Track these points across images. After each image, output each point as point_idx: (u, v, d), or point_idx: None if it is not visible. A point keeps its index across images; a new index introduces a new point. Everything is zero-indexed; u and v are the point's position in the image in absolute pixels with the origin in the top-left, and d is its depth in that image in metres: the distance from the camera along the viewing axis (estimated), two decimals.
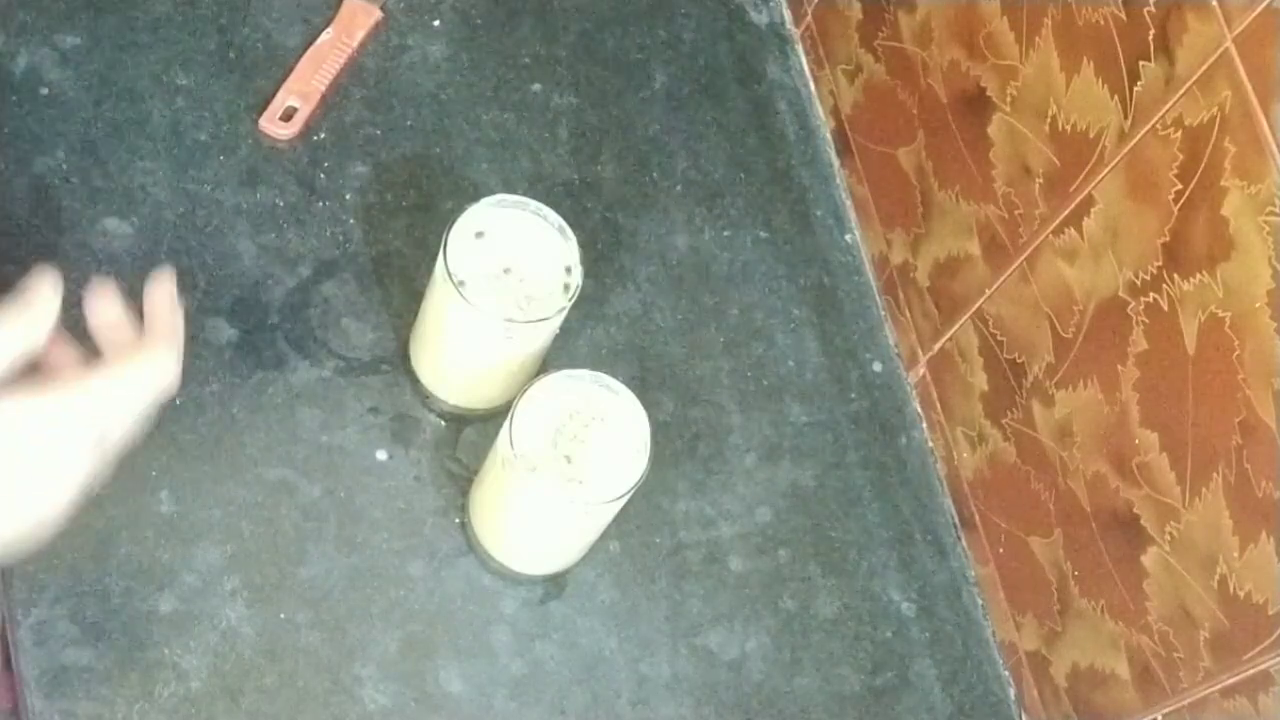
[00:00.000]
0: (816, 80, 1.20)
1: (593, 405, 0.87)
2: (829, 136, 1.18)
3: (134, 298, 0.99)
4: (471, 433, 0.98)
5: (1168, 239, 0.83)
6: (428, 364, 0.97)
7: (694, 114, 1.15)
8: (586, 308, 1.05)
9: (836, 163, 1.17)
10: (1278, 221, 0.75)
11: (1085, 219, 0.90)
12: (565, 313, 0.90)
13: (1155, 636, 0.89)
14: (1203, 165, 0.80)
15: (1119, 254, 0.88)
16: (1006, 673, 1.04)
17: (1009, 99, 0.95)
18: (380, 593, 0.92)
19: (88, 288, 0.70)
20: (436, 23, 1.12)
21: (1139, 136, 0.84)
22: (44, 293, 0.66)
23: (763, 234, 1.13)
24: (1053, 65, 0.90)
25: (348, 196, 1.03)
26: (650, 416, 0.88)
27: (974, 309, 1.03)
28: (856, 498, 1.06)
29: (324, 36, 1.07)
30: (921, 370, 1.10)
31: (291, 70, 1.05)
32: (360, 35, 1.08)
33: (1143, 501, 0.88)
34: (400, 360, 0.99)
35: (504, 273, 0.90)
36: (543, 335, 0.92)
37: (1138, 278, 0.86)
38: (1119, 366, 0.89)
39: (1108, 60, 0.86)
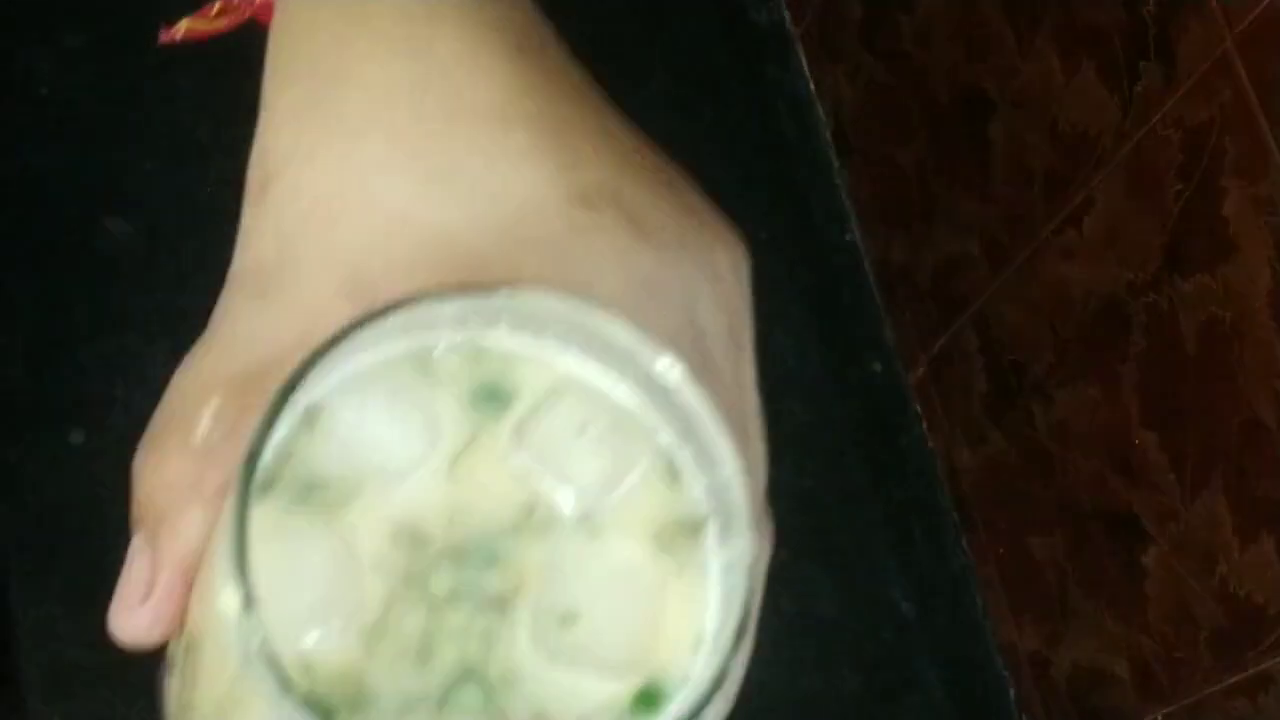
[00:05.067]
0: (816, 80, 1.20)
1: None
2: (829, 136, 1.18)
3: (132, 298, 0.99)
4: None
5: (1168, 239, 0.83)
6: None
7: (694, 114, 1.15)
8: None
9: (836, 163, 1.17)
10: (1278, 221, 0.75)
11: (1085, 219, 0.90)
12: None
13: (1155, 636, 0.89)
14: (1203, 165, 0.80)
15: (1119, 254, 0.87)
16: (1006, 673, 1.04)
17: (1009, 99, 0.95)
18: None
19: None
20: None
21: (1139, 136, 0.84)
22: None
23: (763, 234, 1.13)
24: (1053, 65, 0.90)
25: None
26: None
27: (974, 309, 1.03)
28: (856, 498, 1.05)
29: None
30: (921, 370, 1.10)
31: None
32: None
33: (1143, 501, 0.88)
34: None
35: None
36: None
37: (1138, 278, 0.86)
38: (1119, 366, 0.89)
39: (1108, 60, 0.86)
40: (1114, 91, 0.86)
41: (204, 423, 0.37)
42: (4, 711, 0.86)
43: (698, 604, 0.36)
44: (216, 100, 1.05)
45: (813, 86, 1.20)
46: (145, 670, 0.93)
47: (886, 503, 1.06)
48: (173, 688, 0.45)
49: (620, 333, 0.35)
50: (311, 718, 0.31)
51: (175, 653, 0.44)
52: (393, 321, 0.34)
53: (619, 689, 0.35)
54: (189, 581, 0.38)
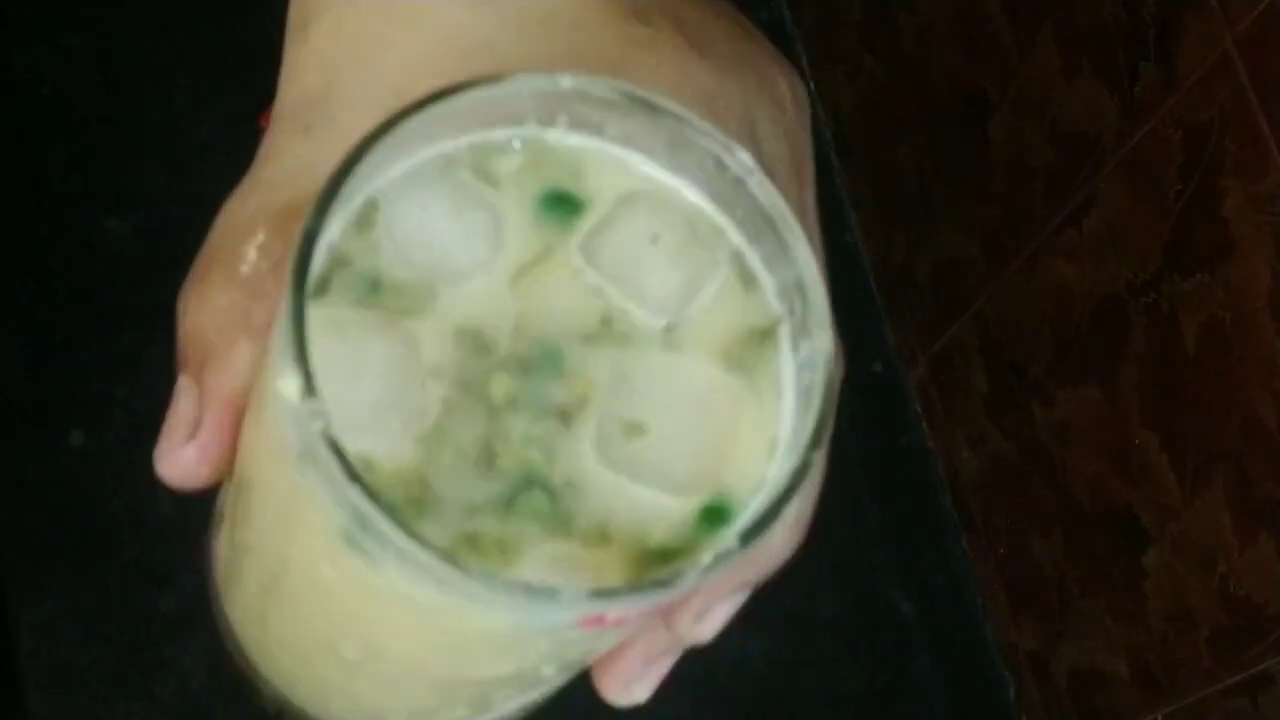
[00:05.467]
0: (816, 80, 1.20)
1: None
2: (829, 137, 1.18)
3: (132, 298, 0.99)
4: None
5: (1168, 239, 0.83)
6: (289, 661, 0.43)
7: None
8: None
9: (836, 163, 1.17)
10: (1278, 221, 0.75)
11: (1085, 219, 0.90)
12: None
13: (1155, 636, 0.89)
14: (1203, 165, 0.80)
15: (1119, 254, 0.87)
16: (1006, 673, 1.04)
17: (1009, 99, 0.95)
18: None
19: None
20: None
21: (1139, 136, 0.84)
22: None
23: None
24: (1053, 65, 0.90)
25: None
26: None
27: (974, 309, 1.03)
28: (856, 498, 1.05)
29: None
30: (921, 370, 1.10)
31: None
32: None
33: (1143, 501, 0.88)
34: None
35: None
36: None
37: (1138, 278, 0.86)
38: (1119, 366, 0.89)
39: (1108, 60, 0.86)
40: (1114, 91, 0.86)
41: (250, 256, 0.36)
42: (4, 711, 0.86)
43: (770, 413, 0.35)
44: (216, 100, 1.05)
45: (813, 86, 1.20)
46: (145, 670, 0.93)
47: (886, 502, 1.06)
48: (222, 539, 0.43)
49: (685, 123, 0.34)
50: (378, 511, 0.30)
51: (223, 504, 0.42)
52: (446, 109, 0.33)
53: (684, 504, 0.34)
54: (237, 418, 0.36)
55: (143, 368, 0.94)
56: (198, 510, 0.99)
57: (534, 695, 0.41)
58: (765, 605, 1.12)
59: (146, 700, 0.86)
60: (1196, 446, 0.84)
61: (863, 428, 1.08)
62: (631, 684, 0.41)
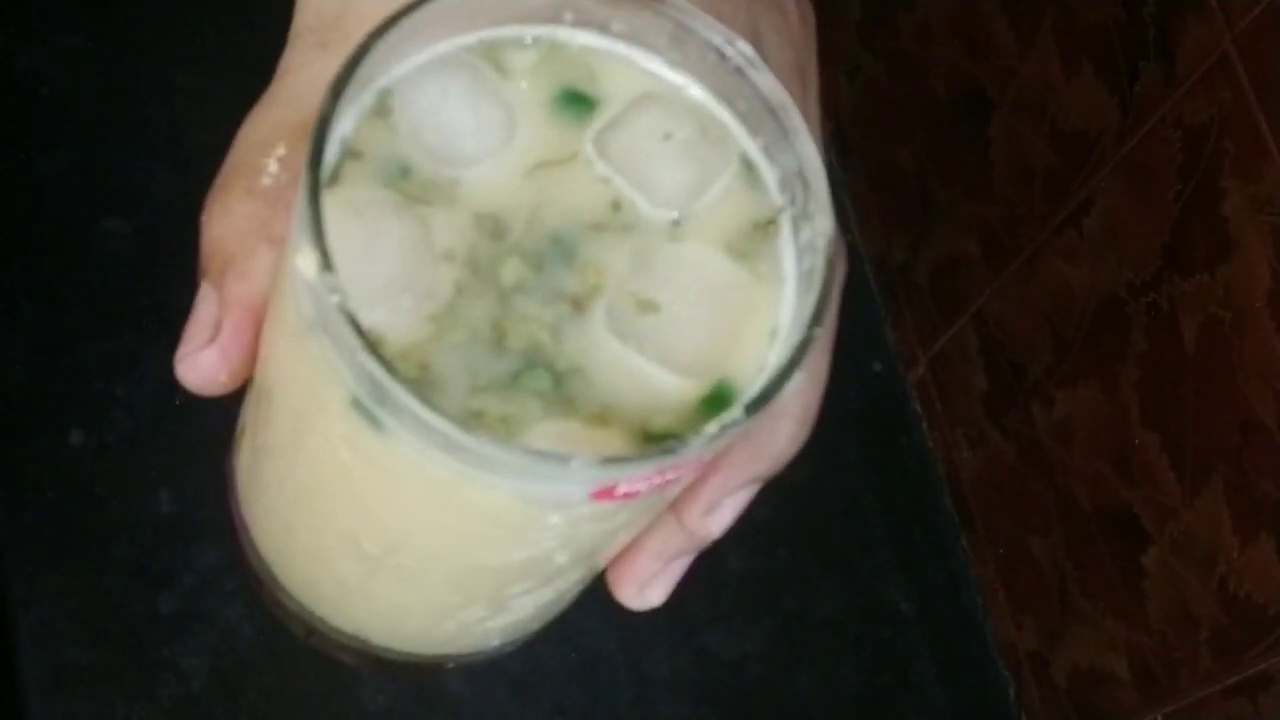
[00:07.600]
0: None
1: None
2: (829, 137, 1.18)
3: (132, 298, 0.99)
4: None
5: (1168, 239, 0.83)
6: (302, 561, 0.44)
7: None
8: None
9: (837, 163, 1.17)
10: (1278, 221, 0.75)
11: (1085, 219, 0.90)
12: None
13: (1155, 636, 0.89)
14: (1203, 165, 0.80)
15: (1119, 254, 0.87)
16: (1006, 673, 1.04)
17: (1009, 99, 0.95)
18: None
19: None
20: None
21: (1139, 136, 0.84)
22: None
23: None
24: (1053, 65, 0.90)
25: None
26: None
27: (974, 309, 1.03)
28: (856, 498, 1.05)
29: None
30: (921, 370, 1.10)
31: None
32: None
33: (1143, 501, 0.88)
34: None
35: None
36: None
37: (1138, 278, 0.86)
38: (1119, 366, 0.89)
39: (1108, 60, 0.86)
40: (1114, 91, 0.86)
41: (271, 168, 0.37)
42: (4, 711, 0.86)
43: (772, 302, 0.36)
44: (216, 100, 1.04)
45: None
46: (145, 670, 0.93)
47: (886, 503, 1.06)
48: (243, 453, 0.45)
49: (687, 15, 0.35)
50: (391, 378, 0.30)
51: (243, 421, 0.44)
52: (455, 1, 0.34)
53: (687, 388, 0.35)
54: (257, 324, 0.37)
55: (143, 368, 0.94)
56: (198, 511, 0.99)
57: (549, 593, 0.42)
58: (765, 605, 1.13)
59: (146, 700, 0.86)
60: (1196, 446, 0.84)
61: (863, 428, 1.08)
62: (646, 585, 0.42)
